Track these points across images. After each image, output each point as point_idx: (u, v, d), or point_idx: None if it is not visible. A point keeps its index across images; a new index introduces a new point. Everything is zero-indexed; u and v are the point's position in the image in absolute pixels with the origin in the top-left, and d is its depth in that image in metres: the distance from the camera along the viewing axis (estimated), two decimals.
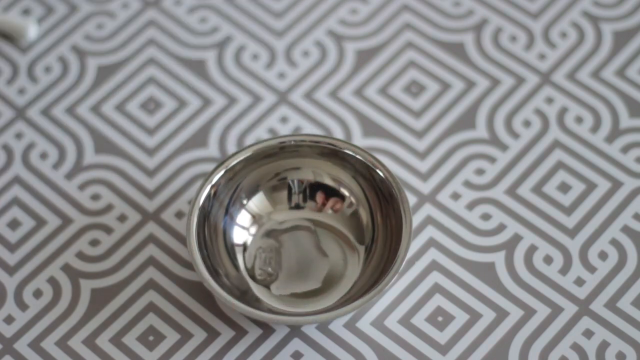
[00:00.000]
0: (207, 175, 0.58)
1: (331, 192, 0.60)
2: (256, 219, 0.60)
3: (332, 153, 0.59)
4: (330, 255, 0.59)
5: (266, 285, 0.58)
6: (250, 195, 0.60)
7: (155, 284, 0.59)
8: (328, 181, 0.60)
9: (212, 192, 0.58)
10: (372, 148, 0.63)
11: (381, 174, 0.58)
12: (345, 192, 0.60)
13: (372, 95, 0.65)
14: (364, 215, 0.59)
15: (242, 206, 0.59)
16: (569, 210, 0.61)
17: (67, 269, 0.59)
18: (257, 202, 0.60)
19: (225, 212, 0.59)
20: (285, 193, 0.60)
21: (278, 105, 0.64)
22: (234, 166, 0.58)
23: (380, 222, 0.58)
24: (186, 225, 0.56)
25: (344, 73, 0.65)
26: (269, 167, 0.59)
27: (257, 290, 0.58)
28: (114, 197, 0.62)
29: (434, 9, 0.67)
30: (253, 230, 0.59)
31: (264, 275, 0.58)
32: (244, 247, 0.59)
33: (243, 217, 0.59)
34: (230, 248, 0.58)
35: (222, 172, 0.58)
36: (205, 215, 0.57)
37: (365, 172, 0.58)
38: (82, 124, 0.64)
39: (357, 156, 0.58)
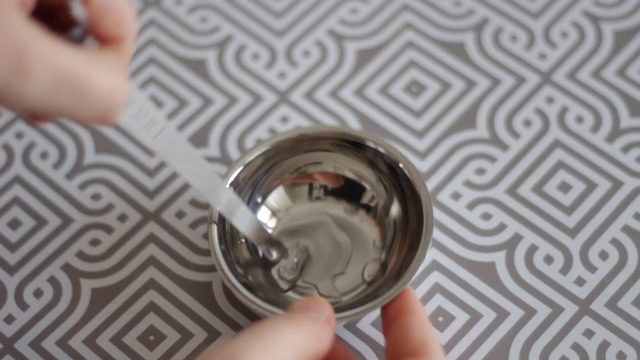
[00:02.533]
0: (225, 173, 0.57)
1: (353, 187, 0.59)
2: (275, 214, 0.59)
3: (354, 146, 0.58)
4: (350, 251, 0.58)
5: (287, 282, 0.58)
6: (269, 190, 0.59)
7: (156, 283, 0.59)
8: (350, 175, 0.59)
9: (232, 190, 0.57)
10: None
11: (403, 167, 0.57)
12: (367, 187, 0.59)
13: (372, 95, 0.65)
14: (386, 209, 0.59)
15: (263, 202, 0.59)
16: (569, 210, 0.61)
17: (67, 268, 0.59)
18: (277, 197, 0.59)
19: None
20: (305, 188, 0.60)
21: (278, 105, 0.64)
22: (252, 162, 0.58)
23: (401, 218, 0.58)
24: (208, 224, 0.56)
25: (344, 73, 0.65)
26: (289, 161, 0.59)
27: (282, 285, 0.57)
28: (115, 197, 0.62)
29: (435, 8, 0.67)
30: (272, 225, 0.59)
31: (284, 272, 0.58)
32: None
33: (263, 213, 0.59)
34: (251, 245, 0.58)
35: (240, 169, 0.58)
36: (223, 219, 0.57)
37: (385, 166, 0.58)
38: (83, 123, 0.64)
39: (379, 149, 0.58)
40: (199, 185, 0.51)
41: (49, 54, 0.39)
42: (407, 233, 0.57)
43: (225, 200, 0.53)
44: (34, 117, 0.45)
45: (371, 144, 0.58)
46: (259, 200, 0.59)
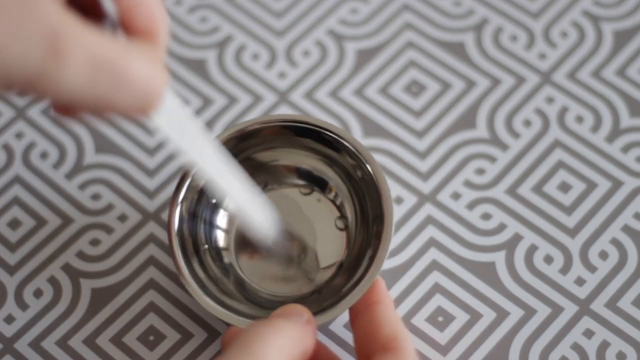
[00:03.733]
0: (182, 175, 0.56)
1: (309, 177, 0.59)
2: (233, 218, 0.59)
3: (303, 134, 0.58)
4: (309, 242, 0.58)
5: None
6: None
7: (156, 283, 0.59)
8: (307, 168, 0.59)
9: (184, 208, 0.56)
10: (373, 148, 0.63)
11: (357, 152, 0.56)
12: (323, 177, 0.59)
13: (372, 95, 0.65)
14: (341, 199, 0.58)
15: (219, 208, 0.58)
16: (569, 210, 0.61)
17: (67, 268, 0.60)
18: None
19: (203, 221, 0.57)
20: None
21: (278, 104, 0.64)
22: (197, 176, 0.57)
23: (357, 205, 0.57)
24: (170, 248, 0.55)
25: (344, 73, 0.65)
26: (242, 163, 0.59)
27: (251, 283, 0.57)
28: (115, 197, 0.62)
29: (434, 8, 0.67)
30: (233, 230, 0.58)
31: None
32: (227, 248, 0.58)
33: (221, 220, 0.58)
34: (217, 252, 0.57)
35: (188, 182, 0.56)
36: (182, 235, 0.56)
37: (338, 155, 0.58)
38: (83, 123, 0.64)
39: (336, 137, 0.57)
40: (233, 194, 0.50)
41: (85, 39, 0.39)
42: (367, 222, 0.56)
43: (258, 214, 0.53)
44: (65, 109, 0.44)
45: (330, 136, 0.57)
46: (221, 204, 0.58)
